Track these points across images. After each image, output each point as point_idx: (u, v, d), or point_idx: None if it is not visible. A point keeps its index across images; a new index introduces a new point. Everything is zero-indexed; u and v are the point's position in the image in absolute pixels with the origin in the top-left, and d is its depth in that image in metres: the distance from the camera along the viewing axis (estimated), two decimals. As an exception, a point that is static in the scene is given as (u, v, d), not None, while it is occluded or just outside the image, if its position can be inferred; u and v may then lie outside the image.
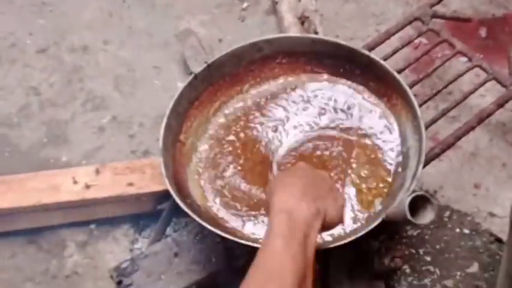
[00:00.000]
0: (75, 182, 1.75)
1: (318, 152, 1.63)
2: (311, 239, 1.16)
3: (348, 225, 1.50)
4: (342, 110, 1.69)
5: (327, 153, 1.63)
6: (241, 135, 1.69)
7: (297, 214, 1.16)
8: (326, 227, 1.26)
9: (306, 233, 1.15)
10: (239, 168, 1.64)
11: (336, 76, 1.73)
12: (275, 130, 1.69)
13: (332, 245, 1.41)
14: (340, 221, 1.34)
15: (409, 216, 1.23)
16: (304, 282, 1.10)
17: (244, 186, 1.61)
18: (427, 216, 1.26)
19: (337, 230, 1.47)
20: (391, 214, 1.34)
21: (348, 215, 1.50)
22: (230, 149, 1.68)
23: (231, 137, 1.69)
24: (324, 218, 1.22)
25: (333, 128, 1.67)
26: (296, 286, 1.06)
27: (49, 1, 2.35)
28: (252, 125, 1.71)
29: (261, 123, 1.71)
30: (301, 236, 1.14)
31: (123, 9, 2.32)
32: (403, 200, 1.26)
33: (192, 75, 1.68)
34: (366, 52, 1.67)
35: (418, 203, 1.26)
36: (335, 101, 1.71)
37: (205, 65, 1.68)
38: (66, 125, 2.04)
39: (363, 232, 1.40)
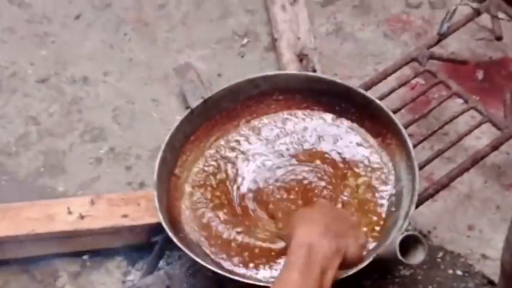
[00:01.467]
0: (69, 213, 1.75)
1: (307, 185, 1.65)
2: (328, 276, 1.16)
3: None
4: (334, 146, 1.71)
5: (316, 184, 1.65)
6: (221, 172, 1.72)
7: (317, 250, 1.17)
8: (346, 265, 1.26)
9: (323, 269, 1.15)
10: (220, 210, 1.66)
11: (332, 114, 1.74)
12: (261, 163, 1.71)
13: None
14: (361, 260, 1.33)
15: (399, 256, 1.23)
16: None
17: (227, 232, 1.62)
18: (417, 256, 1.27)
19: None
20: (383, 253, 1.35)
21: None
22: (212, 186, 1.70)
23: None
24: (344, 256, 1.22)
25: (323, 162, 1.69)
26: None
27: (51, 32, 2.37)
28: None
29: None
30: (318, 272, 1.14)
31: (124, 41, 2.34)
32: (394, 239, 1.27)
33: (189, 109, 1.69)
34: (362, 91, 1.69)
35: (410, 243, 1.27)
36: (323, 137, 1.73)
37: (202, 99, 1.70)
38: (63, 155, 2.05)
39: (354, 270, 1.39)
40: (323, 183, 1.64)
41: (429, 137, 1.75)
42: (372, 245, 1.53)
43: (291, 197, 1.64)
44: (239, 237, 1.58)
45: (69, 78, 2.25)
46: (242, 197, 1.66)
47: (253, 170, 1.70)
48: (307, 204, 1.57)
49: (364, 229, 1.55)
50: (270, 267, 1.53)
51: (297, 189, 1.65)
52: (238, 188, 1.67)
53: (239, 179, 1.68)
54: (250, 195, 1.65)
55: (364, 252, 1.37)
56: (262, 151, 1.73)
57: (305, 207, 1.57)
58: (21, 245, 1.75)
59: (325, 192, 1.62)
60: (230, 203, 1.65)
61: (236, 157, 1.72)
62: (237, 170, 1.70)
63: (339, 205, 1.59)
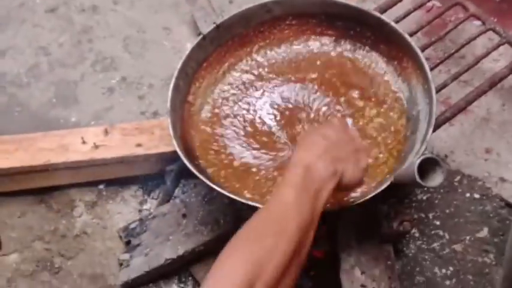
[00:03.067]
0: (83, 142, 1.75)
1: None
2: (322, 196, 1.17)
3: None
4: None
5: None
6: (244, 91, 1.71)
7: (313, 170, 1.18)
8: (344, 187, 1.27)
9: (318, 189, 1.17)
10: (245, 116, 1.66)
11: (346, 38, 1.71)
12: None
13: (340, 207, 1.40)
14: (360, 183, 1.33)
15: (417, 179, 1.22)
16: (306, 234, 1.11)
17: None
18: (436, 179, 1.25)
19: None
20: (400, 177, 1.33)
21: None
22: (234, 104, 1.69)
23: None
24: (340, 179, 1.23)
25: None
26: (296, 236, 1.08)
27: (59, -40, 2.33)
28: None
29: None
30: (312, 191, 1.15)
31: (134, -31, 2.31)
32: (413, 162, 1.25)
33: (201, 36, 1.66)
34: (377, 14, 1.65)
35: (428, 166, 1.25)
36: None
37: (214, 25, 1.67)
38: (75, 85, 2.04)
39: (371, 194, 1.39)
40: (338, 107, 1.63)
41: (446, 60, 1.72)
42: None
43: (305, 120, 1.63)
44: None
45: (78, 7, 2.22)
46: (256, 121, 1.65)
47: (266, 96, 1.68)
48: None
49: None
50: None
51: (312, 114, 1.63)
52: (252, 112, 1.66)
53: (252, 106, 1.67)
54: (267, 119, 1.64)
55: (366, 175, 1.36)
56: (275, 78, 1.70)
57: (313, 127, 1.58)
58: (37, 175, 1.75)
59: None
60: (245, 129, 1.64)
61: (250, 83, 1.70)
62: (250, 96, 1.68)
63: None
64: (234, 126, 1.64)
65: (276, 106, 1.66)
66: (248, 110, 1.67)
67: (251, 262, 1.02)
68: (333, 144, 1.27)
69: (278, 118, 1.64)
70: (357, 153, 1.32)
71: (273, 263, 1.03)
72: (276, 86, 1.70)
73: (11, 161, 1.73)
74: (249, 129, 1.63)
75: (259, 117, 1.65)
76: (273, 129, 1.62)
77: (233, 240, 1.07)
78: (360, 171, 1.30)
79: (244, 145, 1.61)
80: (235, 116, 1.66)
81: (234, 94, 1.70)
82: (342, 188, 1.26)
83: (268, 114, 1.65)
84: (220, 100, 1.69)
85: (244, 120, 1.65)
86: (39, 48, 2.12)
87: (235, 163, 1.58)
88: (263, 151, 1.59)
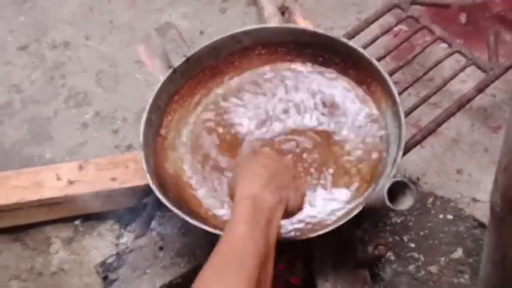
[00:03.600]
0: (58, 179, 1.75)
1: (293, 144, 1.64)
2: (273, 226, 1.18)
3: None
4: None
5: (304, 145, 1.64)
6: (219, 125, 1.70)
7: (261, 201, 1.19)
8: (288, 214, 1.30)
9: (268, 219, 1.17)
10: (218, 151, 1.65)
11: (316, 65, 1.73)
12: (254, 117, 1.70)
13: (314, 235, 1.41)
14: (300, 208, 1.36)
15: (387, 203, 1.23)
16: (265, 266, 1.11)
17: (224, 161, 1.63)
18: (406, 202, 1.26)
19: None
20: (371, 201, 1.35)
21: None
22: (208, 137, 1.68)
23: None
24: (286, 206, 1.25)
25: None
26: (256, 269, 1.08)
27: (28, -3, 2.34)
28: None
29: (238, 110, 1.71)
30: (263, 222, 1.16)
31: (104, 3, 2.32)
32: (383, 186, 1.26)
33: (171, 69, 1.67)
34: (345, 40, 1.67)
35: (398, 190, 1.26)
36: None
37: (184, 58, 1.68)
38: (49, 121, 2.04)
39: (344, 220, 1.41)
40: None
41: (414, 84, 1.74)
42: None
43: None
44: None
45: (50, 44, 2.23)
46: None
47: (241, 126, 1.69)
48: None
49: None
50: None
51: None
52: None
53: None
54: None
55: (305, 200, 1.41)
56: (245, 110, 1.72)
57: (247, 160, 1.57)
58: (12, 213, 1.75)
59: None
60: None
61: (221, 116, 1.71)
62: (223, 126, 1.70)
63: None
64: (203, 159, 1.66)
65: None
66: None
67: None
68: (273, 173, 1.28)
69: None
70: (294, 181, 1.35)
71: None
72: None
73: (-16, 200, 1.73)
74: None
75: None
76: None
77: (196, 281, 1.06)
78: (300, 196, 1.34)
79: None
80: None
81: (206, 125, 1.70)
82: (286, 214, 1.28)
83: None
84: (191, 132, 1.69)
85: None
86: (11, 86, 2.13)
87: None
88: None
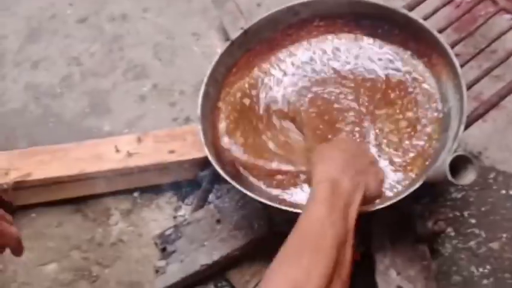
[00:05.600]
0: (117, 151, 1.77)
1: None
2: (352, 210, 1.17)
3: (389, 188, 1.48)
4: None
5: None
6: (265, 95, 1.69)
7: (340, 184, 1.18)
8: (366, 200, 1.27)
9: (347, 203, 1.16)
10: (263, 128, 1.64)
11: (375, 37, 1.70)
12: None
13: (374, 208, 1.39)
14: (380, 195, 1.35)
15: (449, 177, 1.21)
16: (343, 249, 1.10)
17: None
18: (468, 177, 1.24)
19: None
20: (432, 176, 1.32)
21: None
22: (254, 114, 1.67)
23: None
24: (364, 191, 1.23)
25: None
26: (334, 250, 1.07)
27: (88, -30, 2.36)
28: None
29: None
30: (342, 205, 1.15)
31: (162, -24, 2.32)
32: (444, 161, 1.24)
33: (229, 41, 1.66)
34: (405, 11, 1.64)
35: (460, 164, 1.24)
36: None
37: (241, 30, 1.67)
38: (107, 94, 2.06)
39: (404, 194, 1.38)
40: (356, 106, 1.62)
41: (476, 56, 1.69)
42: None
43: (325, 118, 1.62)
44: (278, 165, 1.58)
45: (109, 16, 2.25)
46: (273, 113, 1.65)
47: (289, 89, 1.68)
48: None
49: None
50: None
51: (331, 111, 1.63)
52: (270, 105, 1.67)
53: (273, 98, 1.68)
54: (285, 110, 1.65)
55: (383, 186, 1.38)
56: (299, 72, 1.70)
57: (324, 144, 1.55)
58: (72, 185, 1.77)
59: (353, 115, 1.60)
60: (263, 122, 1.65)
61: (271, 80, 1.70)
62: (271, 91, 1.69)
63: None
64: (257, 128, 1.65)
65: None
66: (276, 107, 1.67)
67: (291, 285, 1.01)
68: (351, 157, 1.27)
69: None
70: (373, 166, 1.33)
71: (311, 284, 1.02)
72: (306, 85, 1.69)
73: (46, 171, 1.76)
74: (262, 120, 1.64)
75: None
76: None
77: (273, 263, 1.06)
78: (379, 182, 1.32)
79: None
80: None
81: (259, 98, 1.70)
82: (365, 200, 1.25)
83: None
84: (247, 104, 1.69)
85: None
86: (71, 59, 2.15)
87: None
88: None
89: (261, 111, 1.65)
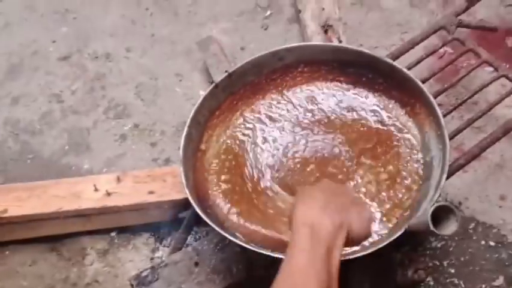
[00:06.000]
0: (96, 190, 1.75)
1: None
2: (334, 254, 1.15)
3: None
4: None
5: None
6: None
7: (320, 228, 1.15)
8: (352, 240, 1.24)
9: (329, 247, 1.14)
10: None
11: (358, 85, 1.70)
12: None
13: (354, 256, 1.38)
14: (367, 234, 1.32)
15: (431, 227, 1.20)
16: None
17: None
18: (450, 227, 1.23)
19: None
20: (415, 225, 1.32)
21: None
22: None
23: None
24: (347, 231, 1.20)
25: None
26: None
27: (72, 8, 2.36)
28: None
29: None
30: (324, 251, 1.12)
31: (146, 16, 2.33)
32: (426, 210, 1.24)
33: (213, 84, 1.66)
34: (389, 61, 1.65)
35: (441, 214, 1.24)
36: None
37: (226, 73, 1.67)
38: (88, 132, 2.05)
39: (385, 243, 1.38)
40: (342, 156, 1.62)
41: (459, 107, 1.71)
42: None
43: (309, 169, 1.61)
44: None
45: (91, 55, 2.24)
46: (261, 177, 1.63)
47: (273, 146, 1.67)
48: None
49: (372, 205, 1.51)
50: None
51: (317, 160, 1.62)
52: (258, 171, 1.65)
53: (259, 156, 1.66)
54: (270, 175, 1.63)
55: (372, 225, 1.35)
56: (284, 126, 1.70)
57: (305, 187, 1.52)
58: (49, 223, 1.75)
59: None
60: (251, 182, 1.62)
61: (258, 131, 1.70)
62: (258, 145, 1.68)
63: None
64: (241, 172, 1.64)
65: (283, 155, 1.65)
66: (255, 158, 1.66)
67: None
68: (332, 195, 1.26)
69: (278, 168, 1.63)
70: (356, 205, 1.30)
71: None
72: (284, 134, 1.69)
73: (23, 209, 1.74)
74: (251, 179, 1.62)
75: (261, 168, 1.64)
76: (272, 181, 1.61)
77: None
78: (365, 221, 1.28)
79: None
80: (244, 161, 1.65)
81: (243, 141, 1.69)
82: (350, 240, 1.23)
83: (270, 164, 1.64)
84: (230, 148, 1.68)
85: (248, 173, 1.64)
86: (52, 96, 2.14)
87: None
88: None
89: (249, 171, 1.64)
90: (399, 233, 1.37)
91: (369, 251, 1.38)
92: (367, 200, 1.51)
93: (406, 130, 1.62)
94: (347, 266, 1.49)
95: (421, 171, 1.55)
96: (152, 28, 2.29)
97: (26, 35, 2.30)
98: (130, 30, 2.30)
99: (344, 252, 1.40)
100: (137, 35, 2.29)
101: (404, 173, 1.56)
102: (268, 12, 2.29)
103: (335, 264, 1.14)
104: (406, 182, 1.54)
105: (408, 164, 1.57)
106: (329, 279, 1.10)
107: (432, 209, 1.22)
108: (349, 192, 1.36)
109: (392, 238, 1.38)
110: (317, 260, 1.11)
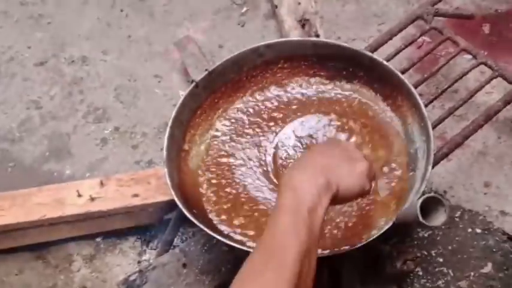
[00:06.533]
0: (79, 195, 1.73)
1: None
2: (317, 214, 1.13)
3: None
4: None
5: None
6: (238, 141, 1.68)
7: (302, 190, 1.14)
8: (343, 198, 1.23)
9: (311, 208, 1.12)
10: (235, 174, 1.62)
11: (339, 79, 1.70)
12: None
13: (342, 251, 1.39)
14: (361, 189, 1.27)
15: (421, 219, 1.20)
16: (308, 257, 1.08)
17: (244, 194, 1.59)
18: (439, 218, 1.23)
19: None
20: (402, 217, 1.32)
21: None
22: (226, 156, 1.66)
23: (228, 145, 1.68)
24: (336, 189, 1.19)
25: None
26: (298, 262, 1.05)
27: (46, 13, 2.33)
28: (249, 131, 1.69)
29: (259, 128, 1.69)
30: (305, 212, 1.11)
31: (121, 18, 2.31)
32: (414, 202, 1.24)
33: (193, 83, 1.65)
34: (369, 53, 1.65)
35: (430, 205, 1.24)
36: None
37: (206, 72, 1.66)
38: (68, 137, 2.03)
39: (374, 236, 1.38)
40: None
41: (439, 96, 1.71)
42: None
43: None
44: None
45: (68, 59, 2.22)
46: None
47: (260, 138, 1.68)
48: None
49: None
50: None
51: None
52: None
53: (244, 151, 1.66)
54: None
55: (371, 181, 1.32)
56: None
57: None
58: (34, 231, 1.73)
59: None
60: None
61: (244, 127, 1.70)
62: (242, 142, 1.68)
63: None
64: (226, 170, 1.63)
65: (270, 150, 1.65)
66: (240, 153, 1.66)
67: None
68: (320, 155, 1.24)
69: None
70: (350, 161, 1.27)
71: None
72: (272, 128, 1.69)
73: (6, 218, 1.71)
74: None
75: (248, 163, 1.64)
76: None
77: (235, 280, 1.05)
78: (357, 177, 1.25)
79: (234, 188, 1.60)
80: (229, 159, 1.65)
81: (226, 140, 1.68)
82: (341, 199, 1.22)
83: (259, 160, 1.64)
84: (214, 146, 1.67)
85: (233, 166, 1.63)
86: (30, 102, 2.12)
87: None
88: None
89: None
90: (387, 226, 1.37)
91: (359, 245, 1.38)
92: None
93: (390, 121, 1.63)
94: (337, 261, 1.51)
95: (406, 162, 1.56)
96: (128, 30, 2.28)
97: (1, 42, 2.28)
98: (105, 32, 2.28)
99: (333, 246, 1.42)
100: (113, 37, 2.27)
101: (393, 164, 1.57)
102: (244, 9, 2.28)
103: (317, 224, 1.12)
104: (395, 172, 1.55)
105: (395, 156, 1.58)
106: (310, 239, 1.09)
107: (420, 200, 1.22)
108: (348, 148, 1.33)
109: (381, 232, 1.38)
110: (298, 221, 1.10)
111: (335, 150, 1.29)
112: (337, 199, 1.19)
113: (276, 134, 1.66)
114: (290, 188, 1.14)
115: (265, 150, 1.64)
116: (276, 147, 1.64)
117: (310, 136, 1.64)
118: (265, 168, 1.61)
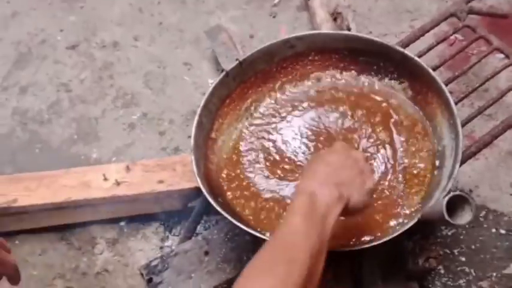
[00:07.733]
0: (105, 179, 1.74)
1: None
2: (328, 222, 1.17)
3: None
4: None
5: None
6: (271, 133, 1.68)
7: (318, 197, 1.18)
8: (351, 211, 1.26)
9: (324, 215, 1.17)
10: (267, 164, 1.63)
11: (369, 73, 1.70)
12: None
13: (366, 246, 1.38)
14: (368, 205, 1.32)
15: (446, 217, 1.20)
16: (316, 263, 1.11)
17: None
18: (464, 217, 1.23)
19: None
20: (427, 214, 1.32)
21: None
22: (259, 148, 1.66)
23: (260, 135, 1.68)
24: (347, 202, 1.23)
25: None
26: (307, 264, 1.07)
27: (79, -3, 2.35)
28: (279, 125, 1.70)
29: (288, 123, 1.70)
30: (318, 217, 1.16)
31: (154, 5, 2.32)
32: (440, 199, 1.23)
33: (224, 72, 1.65)
34: (401, 49, 1.64)
35: (455, 203, 1.23)
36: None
37: (236, 62, 1.66)
38: (96, 121, 2.04)
39: (398, 232, 1.38)
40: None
41: (469, 94, 1.70)
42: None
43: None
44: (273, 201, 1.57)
45: (99, 44, 2.23)
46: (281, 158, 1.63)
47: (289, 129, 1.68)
48: None
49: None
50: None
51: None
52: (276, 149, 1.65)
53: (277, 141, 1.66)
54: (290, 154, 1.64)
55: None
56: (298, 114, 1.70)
57: (316, 155, 1.55)
58: (58, 212, 1.75)
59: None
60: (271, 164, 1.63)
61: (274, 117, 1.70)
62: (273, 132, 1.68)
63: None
64: (257, 161, 1.63)
65: (301, 137, 1.66)
66: (272, 144, 1.66)
67: None
68: (334, 170, 1.27)
69: (303, 149, 1.64)
70: (361, 176, 1.30)
71: None
72: (299, 116, 1.69)
73: (32, 198, 1.73)
74: (272, 161, 1.63)
75: (282, 151, 1.64)
76: (298, 158, 1.62)
77: (245, 271, 1.06)
78: (365, 193, 1.29)
79: (268, 178, 1.60)
80: (258, 151, 1.65)
81: (257, 129, 1.68)
82: (349, 212, 1.25)
83: (293, 147, 1.65)
84: (243, 136, 1.68)
85: (268, 154, 1.63)
86: (60, 85, 2.13)
87: (260, 197, 1.57)
88: (285, 182, 1.58)
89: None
90: (412, 223, 1.37)
91: (382, 240, 1.38)
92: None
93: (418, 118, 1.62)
94: (359, 256, 1.51)
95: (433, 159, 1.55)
96: (160, 16, 2.28)
97: (34, 24, 2.29)
98: (137, 18, 2.29)
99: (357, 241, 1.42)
100: (145, 23, 2.27)
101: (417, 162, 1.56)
102: (277, 0, 2.28)
103: (328, 230, 1.16)
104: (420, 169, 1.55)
105: (422, 153, 1.57)
106: (320, 243, 1.13)
107: (447, 198, 1.22)
108: (358, 160, 1.35)
109: (405, 228, 1.38)
110: (311, 225, 1.14)
111: (347, 161, 1.31)
112: (345, 212, 1.23)
113: (303, 127, 1.67)
114: (307, 194, 1.19)
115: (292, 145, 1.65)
116: (301, 142, 1.64)
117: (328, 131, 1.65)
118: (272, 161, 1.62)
